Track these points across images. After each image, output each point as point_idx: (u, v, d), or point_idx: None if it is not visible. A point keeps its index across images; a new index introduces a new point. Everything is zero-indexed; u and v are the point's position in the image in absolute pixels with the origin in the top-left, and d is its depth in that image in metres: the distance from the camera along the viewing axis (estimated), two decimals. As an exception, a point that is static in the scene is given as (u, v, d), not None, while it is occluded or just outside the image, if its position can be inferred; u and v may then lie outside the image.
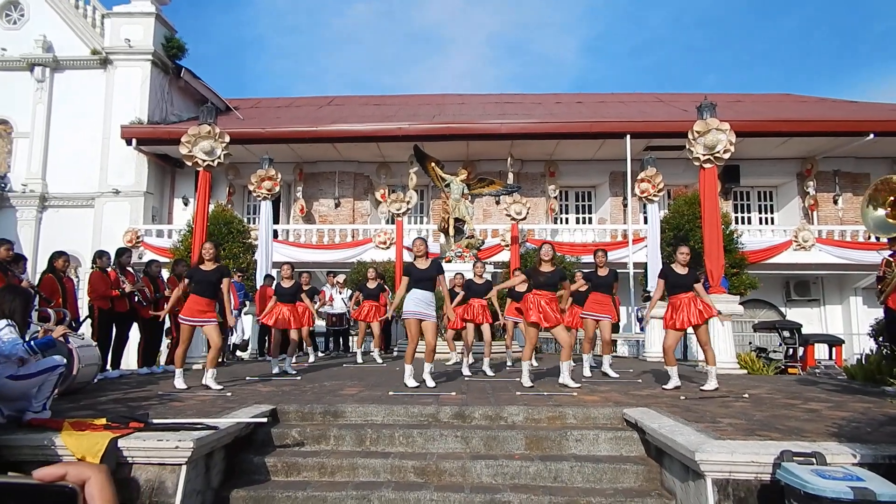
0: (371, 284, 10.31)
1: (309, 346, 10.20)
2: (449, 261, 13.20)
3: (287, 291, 8.21)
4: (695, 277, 6.55)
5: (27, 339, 4.42)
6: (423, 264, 6.64)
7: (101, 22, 19.99)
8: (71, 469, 0.61)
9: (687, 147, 9.36)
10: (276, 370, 7.97)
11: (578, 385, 6.45)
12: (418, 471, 4.19)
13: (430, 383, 6.39)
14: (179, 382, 6.45)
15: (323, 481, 4.15)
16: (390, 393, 5.89)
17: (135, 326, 8.61)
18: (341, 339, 13.22)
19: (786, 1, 77.96)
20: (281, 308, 8.09)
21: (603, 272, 7.94)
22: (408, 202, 15.08)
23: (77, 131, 19.21)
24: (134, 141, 18.46)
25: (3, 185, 18.95)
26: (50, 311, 6.12)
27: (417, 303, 6.49)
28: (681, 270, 6.58)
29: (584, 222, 20.59)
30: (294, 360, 8.60)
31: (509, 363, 9.54)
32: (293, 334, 8.22)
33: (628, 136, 17.32)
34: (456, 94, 26.06)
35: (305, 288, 8.95)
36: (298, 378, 7.49)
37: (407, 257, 15.83)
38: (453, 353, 9.49)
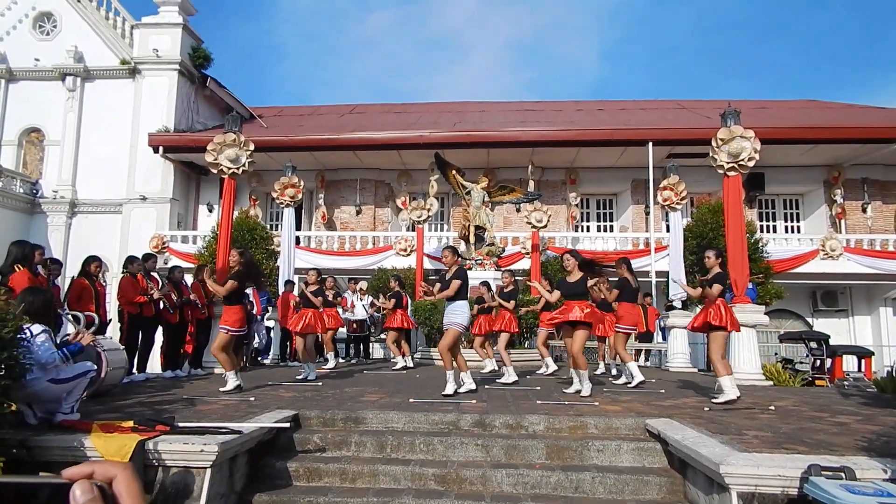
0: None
1: (329, 351, 10.27)
2: (469, 268, 13.21)
3: (312, 295, 8.30)
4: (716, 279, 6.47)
5: (59, 341, 4.53)
6: (448, 274, 6.70)
7: (130, 32, 20.49)
8: (97, 467, 0.63)
9: (710, 155, 9.27)
10: (301, 375, 8.03)
11: (589, 394, 6.41)
12: (439, 479, 4.20)
13: (450, 391, 6.39)
14: (232, 383, 6.52)
15: (344, 487, 4.17)
16: (411, 400, 5.91)
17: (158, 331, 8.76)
18: (361, 346, 13.29)
19: (809, 5, 76.83)
20: (306, 313, 8.18)
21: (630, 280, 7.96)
22: (428, 209, 15.15)
23: (106, 139, 19.68)
24: (161, 149, 18.86)
25: (34, 191, 19.47)
26: (80, 314, 6.26)
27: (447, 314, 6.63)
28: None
29: (605, 230, 20.46)
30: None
31: (542, 371, 9.53)
32: (310, 339, 8.29)
33: (650, 144, 17.19)
34: (476, 101, 26.12)
35: (329, 293, 9.02)
36: (320, 384, 7.55)
37: (427, 264, 15.92)
38: (487, 360, 9.49)
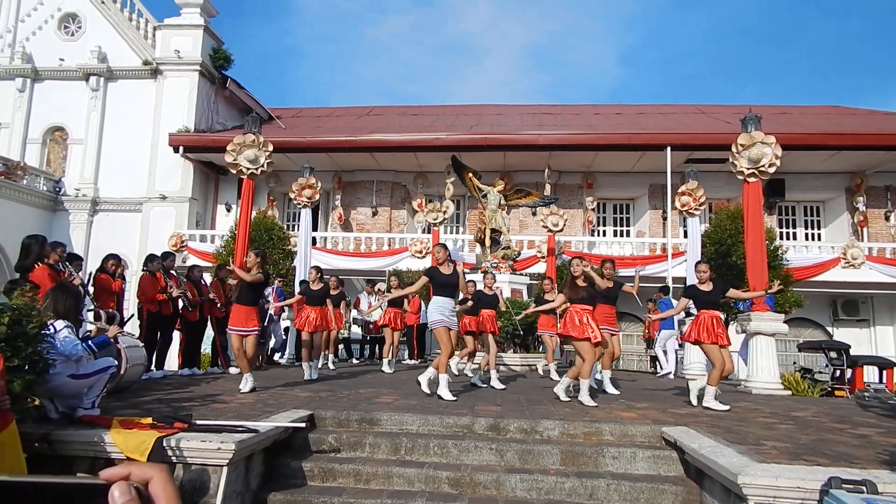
0: (394, 293, 10.42)
1: (329, 351, 10.22)
2: (485, 271, 13.18)
3: (315, 294, 8.33)
4: (721, 290, 6.65)
5: (81, 337, 4.60)
6: (446, 270, 6.61)
7: (152, 34, 20.81)
8: (134, 469, 0.64)
9: (730, 160, 9.17)
10: (307, 376, 8.03)
11: (595, 405, 6.09)
12: (453, 482, 4.20)
13: (448, 396, 6.27)
14: (246, 386, 6.48)
15: (358, 488, 4.19)
16: (425, 401, 5.91)
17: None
18: (377, 347, 13.33)
19: (824, 13, 75.81)
20: (308, 310, 8.20)
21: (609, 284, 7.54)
22: (444, 212, 15.16)
23: (127, 138, 19.98)
24: (181, 148, 19.11)
25: (57, 189, 19.81)
26: (101, 311, 6.36)
27: (443, 310, 6.52)
28: (705, 288, 6.62)
29: (621, 235, 20.32)
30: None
31: (555, 376, 9.45)
32: (316, 338, 8.29)
33: (668, 149, 17.04)
34: (493, 104, 26.10)
35: (334, 293, 9.03)
36: (315, 378, 7.62)
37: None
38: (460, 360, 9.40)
